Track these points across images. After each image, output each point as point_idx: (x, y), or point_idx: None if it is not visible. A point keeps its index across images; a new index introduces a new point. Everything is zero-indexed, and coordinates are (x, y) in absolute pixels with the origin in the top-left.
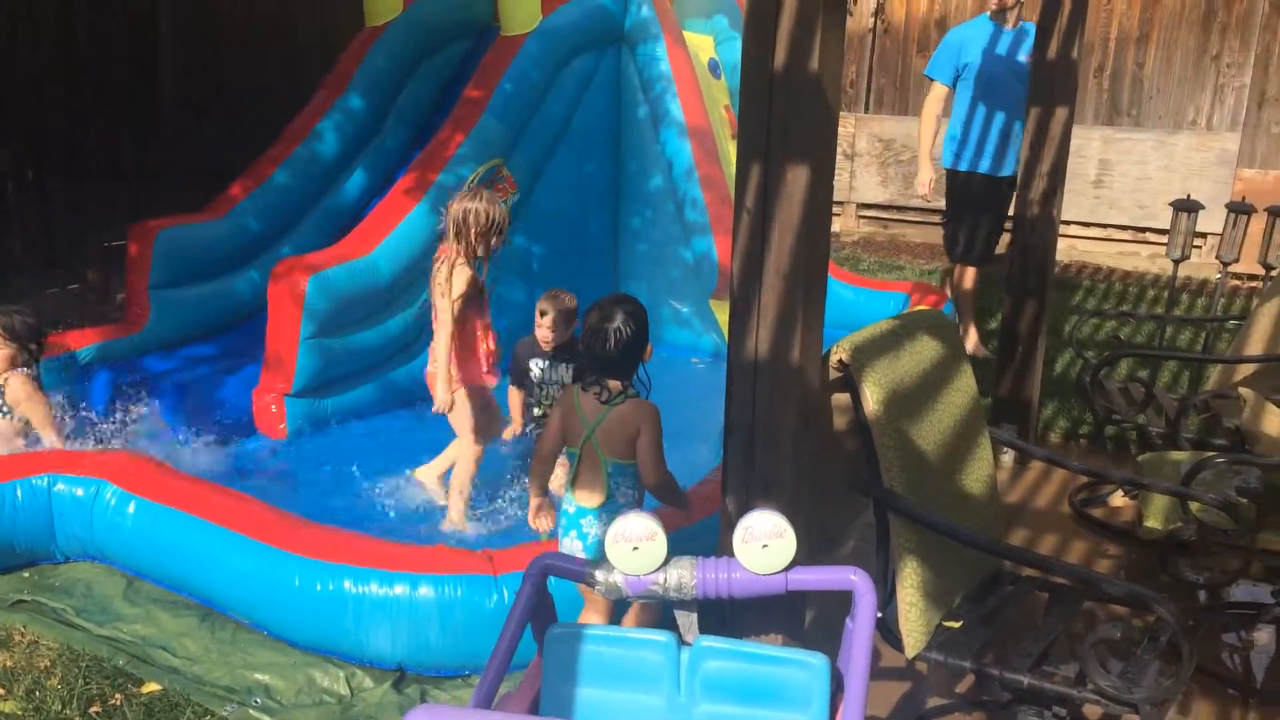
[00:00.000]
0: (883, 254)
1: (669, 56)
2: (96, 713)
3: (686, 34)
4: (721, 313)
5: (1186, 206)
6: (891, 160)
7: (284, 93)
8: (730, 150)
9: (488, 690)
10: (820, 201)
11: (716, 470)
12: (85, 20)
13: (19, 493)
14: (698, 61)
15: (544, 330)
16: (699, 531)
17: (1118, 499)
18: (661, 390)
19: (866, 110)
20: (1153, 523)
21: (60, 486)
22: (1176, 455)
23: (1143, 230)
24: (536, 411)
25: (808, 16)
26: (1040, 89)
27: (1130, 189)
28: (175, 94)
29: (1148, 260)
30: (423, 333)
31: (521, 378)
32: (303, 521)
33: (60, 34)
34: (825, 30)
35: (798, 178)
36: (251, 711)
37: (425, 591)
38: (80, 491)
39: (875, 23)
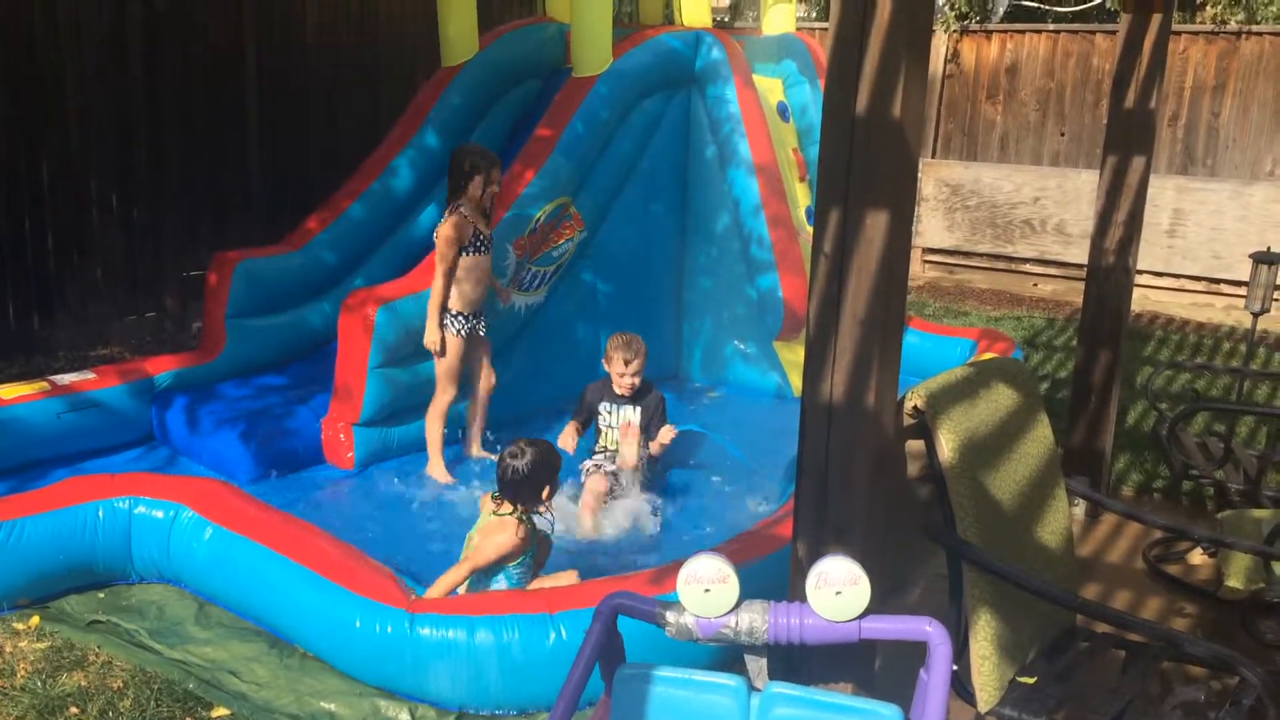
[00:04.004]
0: (948, 299)
1: (738, 98)
2: None
3: (756, 78)
4: (785, 353)
5: (1267, 259)
6: (959, 205)
7: (363, 129)
8: (797, 191)
9: None
10: (899, 247)
11: (778, 511)
12: (172, 56)
13: (100, 513)
14: (766, 104)
15: (630, 378)
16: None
17: (1196, 556)
18: (724, 428)
19: (934, 155)
20: (1234, 582)
21: (140, 509)
22: (1258, 513)
23: (1217, 281)
24: (597, 451)
25: (890, 62)
26: (1116, 137)
27: (1205, 239)
28: (258, 129)
29: (1222, 312)
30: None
31: (590, 420)
32: (367, 560)
33: (147, 69)
34: (908, 77)
35: (877, 223)
36: None
37: (483, 635)
38: (159, 514)
39: (945, 68)
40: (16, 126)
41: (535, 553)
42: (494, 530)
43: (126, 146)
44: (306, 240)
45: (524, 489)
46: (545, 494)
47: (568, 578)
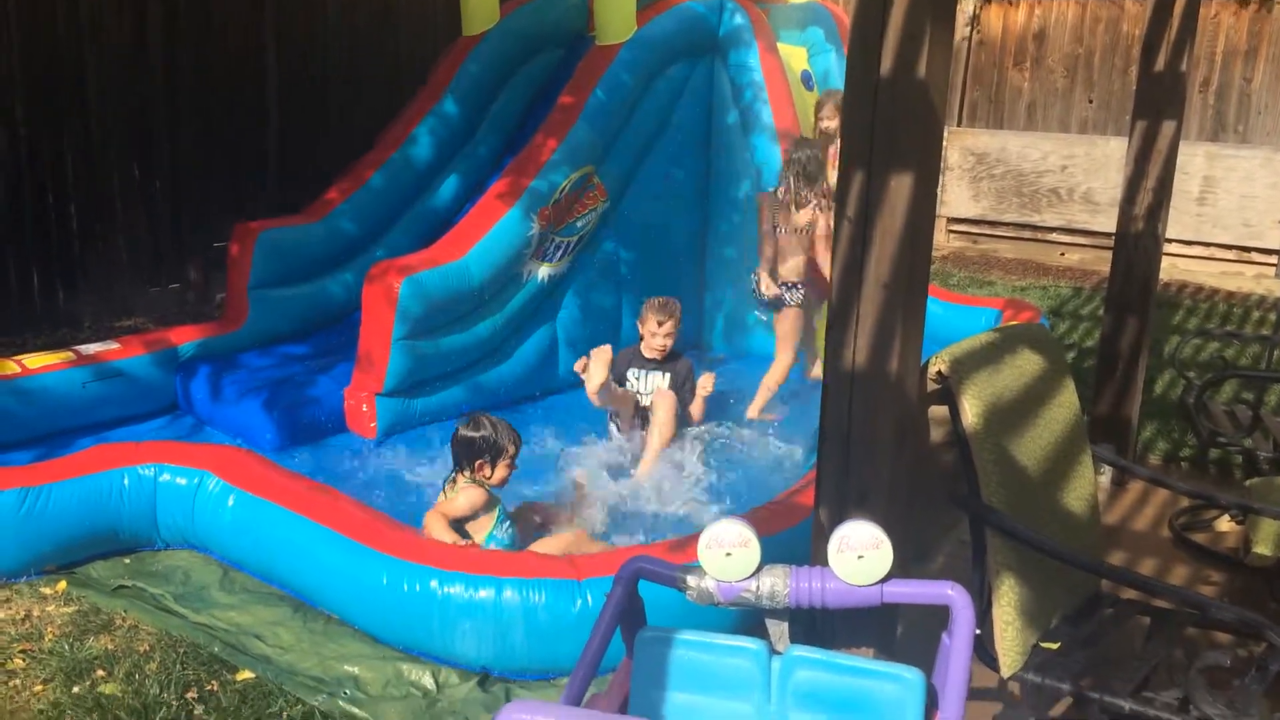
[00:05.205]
0: (973, 269)
1: (761, 64)
2: (193, 698)
3: (780, 46)
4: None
5: None
6: (984, 174)
7: (383, 99)
8: None
9: (577, 689)
10: (923, 212)
11: (801, 481)
12: (191, 27)
13: (126, 480)
14: (790, 70)
15: (663, 339)
16: (781, 542)
17: (1223, 524)
18: (747, 398)
19: (959, 123)
20: (1262, 549)
21: (165, 476)
22: None
23: (1248, 250)
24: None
25: (915, 27)
26: (1146, 103)
27: (1235, 207)
28: (279, 100)
29: (1253, 280)
30: (510, 336)
31: (618, 385)
32: (393, 522)
33: (167, 41)
34: (932, 41)
35: (901, 187)
36: (340, 702)
37: (510, 596)
38: (184, 481)
39: (970, 33)
40: (42, 106)
41: (510, 514)
42: (459, 493)
43: (148, 120)
44: (328, 210)
45: (460, 454)
46: (479, 467)
47: (573, 537)
